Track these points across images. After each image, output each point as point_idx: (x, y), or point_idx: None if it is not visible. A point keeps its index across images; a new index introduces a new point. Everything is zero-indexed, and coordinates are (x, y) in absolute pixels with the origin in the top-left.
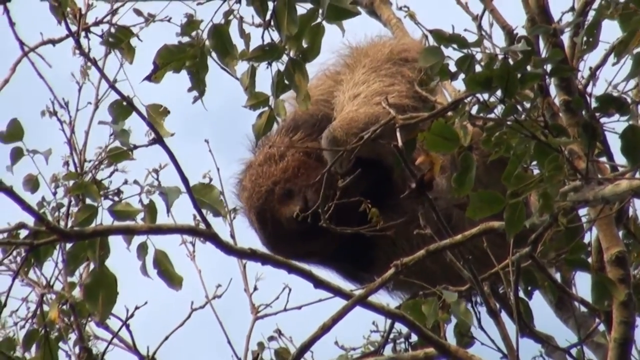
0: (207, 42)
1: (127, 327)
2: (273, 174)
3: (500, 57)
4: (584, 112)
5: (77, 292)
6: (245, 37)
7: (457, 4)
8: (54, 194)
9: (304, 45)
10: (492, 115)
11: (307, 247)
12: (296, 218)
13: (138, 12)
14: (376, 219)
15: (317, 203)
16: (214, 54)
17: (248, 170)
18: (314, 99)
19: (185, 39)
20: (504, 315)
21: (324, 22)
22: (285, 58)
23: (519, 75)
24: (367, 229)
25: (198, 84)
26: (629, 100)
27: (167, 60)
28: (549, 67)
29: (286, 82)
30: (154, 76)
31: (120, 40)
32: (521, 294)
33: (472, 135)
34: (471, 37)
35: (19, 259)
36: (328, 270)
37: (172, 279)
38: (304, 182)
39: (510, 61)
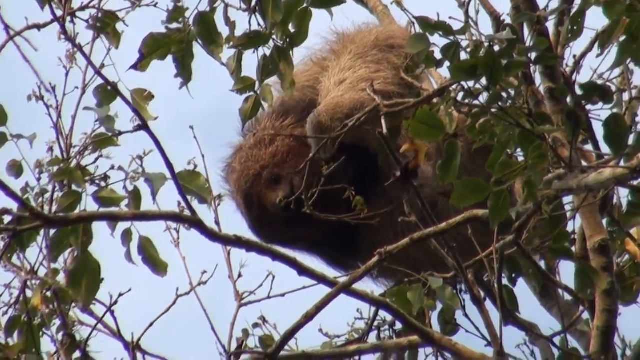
0: (192, 29)
1: (112, 313)
2: (262, 158)
3: (485, 44)
4: (568, 100)
5: (60, 278)
6: (231, 24)
7: None
8: (38, 179)
9: (291, 29)
10: (477, 103)
11: (292, 233)
12: (280, 203)
13: None
14: (360, 207)
15: (301, 189)
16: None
17: (238, 153)
18: (300, 85)
19: (171, 26)
20: (488, 304)
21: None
22: (272, 43)
23: (503, 63)
24: (351, 216)
25: (184, 71)
26: (613, 88)
27: (153, 48)
28: (533, 55)
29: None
30: (140, 65)
31: (106, 25)
32: (505, 281)
33: (458, 122)
34: (457, 25)
35: (1, 244)
36: (313, 256)
37: (157, 266)
38: (292, 168)
39: (496, 48)
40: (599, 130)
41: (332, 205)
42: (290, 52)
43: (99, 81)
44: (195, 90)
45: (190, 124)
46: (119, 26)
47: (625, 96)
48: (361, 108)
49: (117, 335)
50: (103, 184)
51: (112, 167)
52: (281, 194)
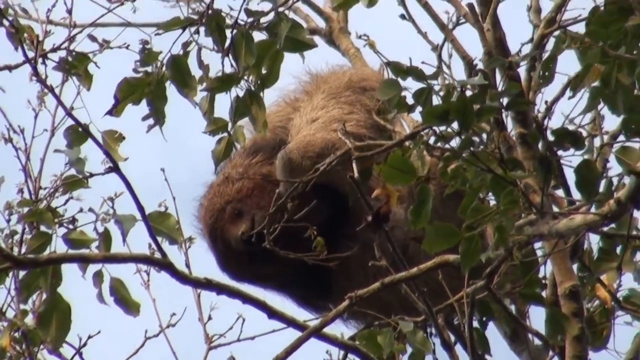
0: (165, 73)
1: (80, 355)
2: (227, 194)
3: (457, 89)
4: (540, 146)
5: (29, 320)
6: (204, 67)
7: (417, 33)
8: (8, 221)
9: (264, 71)
10: (449, 147)
11: (256, 269)
12: (241, 237)
13: (93, 39)
14: (320, 248)
15: (263, 224)
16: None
17: (207, 190)
18: (272, 125)
19: (144, 69)
20: (458, 348)
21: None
22: (244, 85)
23: (475, 108)
24: (310, 256)
25: (157, 114)
26: (584, 133)
27: (127, 93)
28: (505, 101)
29: None
30: (114, 110)
31: (77, 66)
32: (476, 324)
33: (430, 165)
34: (430, 69)
35: None
36: (285, 297)
37: (130, 306)
38: (255, 203)
39: (468, 93)
40: (570, 176)
41: (297, 245)
42: (261, 94)
43: (69, 123)
44: (166, 132)
45: (160, 166)
46: (91, 68)
47: (597, 142)
48: (332, 148)
49: None
50: (71, 226)
51: (81, 210)
52: (242, 228)
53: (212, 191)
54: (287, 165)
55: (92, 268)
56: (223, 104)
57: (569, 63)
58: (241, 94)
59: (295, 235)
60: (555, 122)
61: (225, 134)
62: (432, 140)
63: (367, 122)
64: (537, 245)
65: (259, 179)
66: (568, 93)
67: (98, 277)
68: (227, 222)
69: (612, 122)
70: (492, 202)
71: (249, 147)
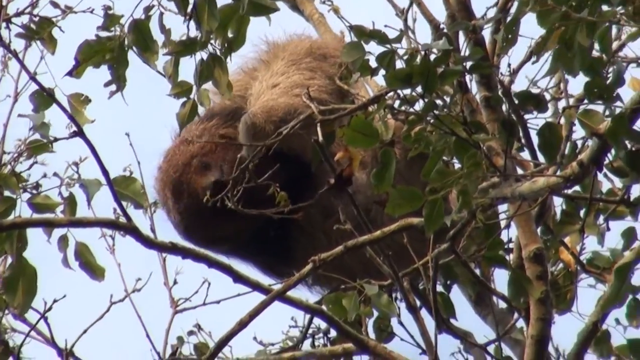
0: (127, 37)
1: (45, 320)
2: (191, 150)
3: (421, 53)
4: (503, 109)
5: None
6: (166, 32)
7: None
8: None
9: (230, 34)
10: (413, 110)
11: (219, 228)
12: (214, 184)
13: (55, 5)
14: (284, 202)
15: (231, 177)
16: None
17: (165, 154)
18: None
19: (106, 33)
20: (423, 312)
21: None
22: (210, 48)
23: (439, 72)
24: (274, 212)
25: (118, 78)
26: (549, 97)
27: (88, 55)
28: (469, 64)
29: None
30: (75, 71)
31: (41, 30)
32: (440, 288)
33: (394, 129)
34: (393, 33)
35: None
36: (248, 264)
37: (95, 271)
38: (220, 157)
39: (432, 57)
40: (535, 139)
41: (259, 206)
42: (228, 58)
43: (32, 89)
44: (130, 98)
45: (125, 131)
46: (55, 32)
47: (562, 105)
48: (295, 113)
49: (51, 342)
50: (35, 192)
51: (45, 175)
52: (212, 178)
53: (171, 151)
54: (250, 129)
55: (57, 233)
56: (188, 68)
57: (534, 28)
58: (205, 57)
59: (257, 196)
60: (520, 86)
61: (190, 98)
62: (396, 104)
63: (329, 88)
64: (502, 208)
65: (218, 138)
66: (533, 57)
67: (63, 241)
68: (194, 174)
69: (576, 85)
70: (457, 166)
71: (205, 114)
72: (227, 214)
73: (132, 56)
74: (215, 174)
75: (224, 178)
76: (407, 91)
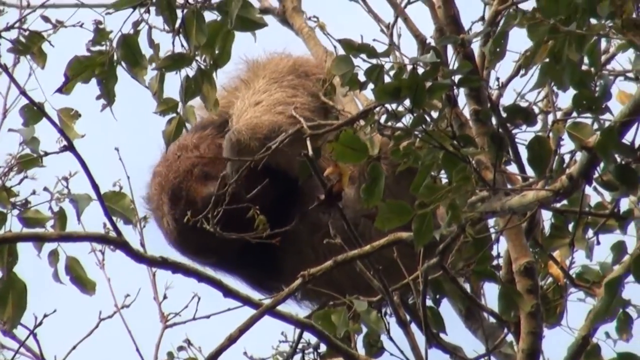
0: (116, 52)
1: (35, 336)
2: (190, 159)
3: (409, 67)
4: (493, 122)
5: None
6: (155, 47)
7: (368, 12)
8: None
9: (216, 51)
10: (400, 125)
11: (211, 239)
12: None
13: (46, 19)
14: (263, 226)
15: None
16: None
17: (160, 162)
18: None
19: (95, 49)
20: (413, 327)
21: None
22: (195, 65)
23: (427, 86)
24: (251, 235)
25: (107, 93)
26: (537, 110)
27: (78, 71)
28: (457, 78)
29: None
30: (64, 88)
31: (30, 46)
32: (430, 303)
33: (380, 145)
34: (381, 48)
35: None
36: (237, 278)
37: (86, 285)
38: (220, 168)
39: (420, 71)
40: (524, 153)
41: (245, 225)
42: (214, 74)
43: (22, 104)
44: (120, 113)
45: (115, 146)
46: (45, 47)
47: (550, 119)
48: (279, 131)
49: (40, 358)
50: (25, 207)
51: (34, 192)
52: (212, 188)
53: (169, 158)
54: (235, 146)
55: (48, 247)
56: (173, 85)
57: (522, 42)
58: (191, 73)
59: (241, 216)
60: (508, 100)
61: (176, 114)
62: (383, 119)
63: (311, 106)
64: (491, 222)
65: (215, 148)
66: (521, 71)
67: (53, 256)
68: (195, 182)
69: (565, 99)
70: (445, 181)
71: (196, 125)
72: (223, 222)
73: (121, 71)
74: (216, 185)
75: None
76: (395, 106)
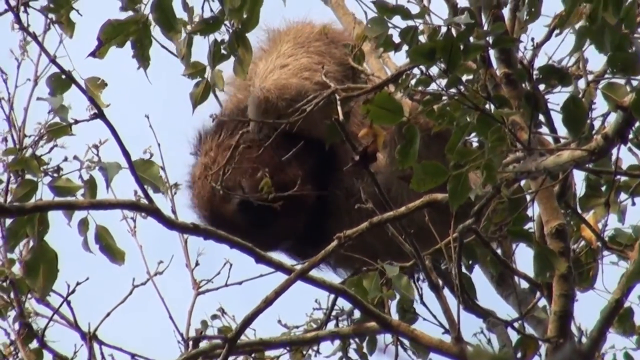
0: (150, 16)
1: (68, 303)
2: (208, 182)
3: (443, 28)
4: (526, 84)
5: (17, 269)
6: (189, 10)
7: None
8: None
9: (244, 15)
10: (433, 88)
11: (269, 234)
12: (239, 208)
13: None
14: (267, 189)
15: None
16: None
17: (191, 182)
18: (237, 83)
19: (129, 13)
20: (445, 292)
21: None
22: (222, 29)
23: (462, 47)
24: (255, 197)
25: (142, 57)
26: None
27: (111, 35)
28: (490, 39)
29: (223, 52)
30: (98, 52)
31: (59, 9)
32: (462, 269)
33: (410, 109)
34: (415, 9)
35: None
36: (275, 250)
37: (115, 254)
38: (237, 174)
39: (453, 33)
40: (555, 116)
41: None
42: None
43: (52, 72)
44: (152, 78)
45: (145, 112)
46: (73, 16)
47: (581, 83)
48: (305, 96)
49: (74, 325)
50: (56, 175)
51: (66, 159)
52: (235, 201)
53: (196, 186)
54: (262, 104)
55: (78, 216)
56: (201, 50)
57: (555, 7)
58: (219, 38)
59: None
60: (539, 64)
61: (204, 78)
62: (413, 82)
63: (338, 75)
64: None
65: (230, 152)
66: (554, 35)
67: (83, 225)
68: (220, 204)
69: (595, 64)
70: (475, 145)
71: (212, 126)
72: (264, 219)
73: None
74: (237, 195)
75: (246, 196)
76: (427, 68)
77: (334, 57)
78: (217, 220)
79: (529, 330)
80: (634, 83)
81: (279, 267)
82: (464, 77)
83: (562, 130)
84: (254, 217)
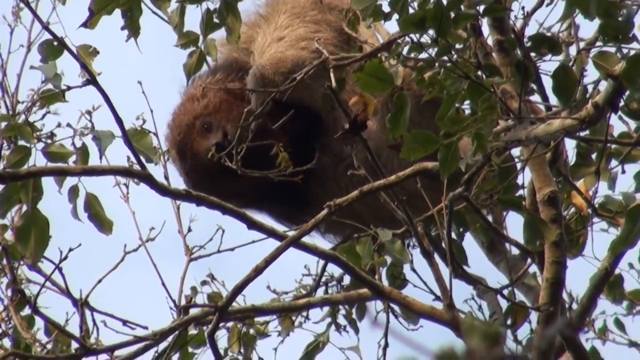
0: None
1: (60, 270)
2: (194, 110)
3: None
4: (517, 52)
5: (9, 235)
6: None
7: None
8: None
9: None
10: (425, 56)
11: (228, 186)
12: (215, 147)
13: None
14: (285, 163)
15: (236, 134)
16: None
17: (174, 112)
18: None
19: None
20: (436, 260)
21: None
22: None
23: (452, 15)
24: (274, 173)
25: (132, 26)
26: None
27: (102, 5)
28: (481, 8)
29: (216, 20)
30: (89, 23)
31: None
32: (453, 236)
33: (403, 76)
34: None
35: None
36: (264, 215)
37: (103, 223)
38: (224, 117)
39: (444, 1)
40: (547, 84)
41: (268, 160)
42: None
43: (45, 38)
44: (142, 47)
45: (138, 79)
46: None
47: (572, 50)
48: (303, 66)
49: (66, 292)
50: (49, 141)
51: (59, 125)
52: (213, 140)
53: (178, 110)
54: (259, 81)
55: (69, 183)
56: (194, 19)
57: None
58: (212, 7)
59: (266, 150)
60: (530, 32)
61: (197, 48)
62: (405, 50)
63: (335, 41)
64: (516, 153)
65: (224, 94)
66: (545, 4)
67: (73, 192)
68: (197, 136)
69: (586, 31)
70: (468, 113)
71: (210, 69)
72: (233, 172)
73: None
74: (217, 136)
75: (225, 140)
76: (419, 36)
77: (331, 24)
78: (184, 147)
79: (519, 297)
80: (625, 51)
81: (270, 233)
82: (456, 46)
83: (554, 99)
84: (223, 167)
